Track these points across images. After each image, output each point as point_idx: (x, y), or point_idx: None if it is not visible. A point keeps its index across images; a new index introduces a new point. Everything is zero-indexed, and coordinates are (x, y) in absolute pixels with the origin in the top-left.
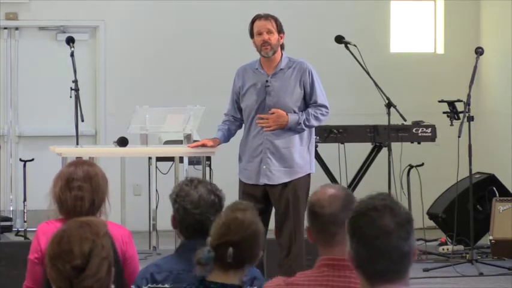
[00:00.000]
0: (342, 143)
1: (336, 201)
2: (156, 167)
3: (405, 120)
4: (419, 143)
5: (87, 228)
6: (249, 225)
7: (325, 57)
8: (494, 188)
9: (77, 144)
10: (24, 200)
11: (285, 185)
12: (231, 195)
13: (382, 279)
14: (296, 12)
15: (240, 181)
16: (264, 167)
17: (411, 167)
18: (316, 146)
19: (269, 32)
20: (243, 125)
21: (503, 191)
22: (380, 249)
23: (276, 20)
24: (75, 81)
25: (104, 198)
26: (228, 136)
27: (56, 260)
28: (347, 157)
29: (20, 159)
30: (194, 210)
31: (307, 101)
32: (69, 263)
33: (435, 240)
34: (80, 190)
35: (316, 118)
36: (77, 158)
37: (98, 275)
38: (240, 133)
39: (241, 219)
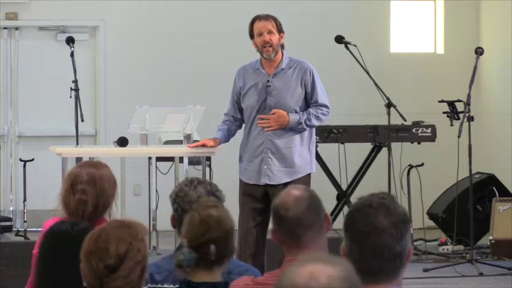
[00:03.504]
0: (342, 143)
1: (300, 203)
2: (156, 167)
3: (405, 120)
4: (419, 143)
5: (127, 230)
6: (226, 221)
7: (325, 57)
8: (494, 188)
9: (77, 144)
10: (24, 200)
11: (286, 185)
12: (231, 196)
13: (374, 278)
14: (296, 12)
15: (241, 181)
16: (265, 167)
17: (411, 167)
18: (316, 146)
19: (270, 32)
20: (243, 125)
21: (503, 191)
22: (371, 246)
23: (275, 20)
24: (75, 81)
25: (110, 201)
26: (228, 136)
27: (91, 257)
28: (347, 157)
29: (20, 159)
30: None
31: (308, 101)
32: (103, 262)
33: (435, 240)
34: (84, 194)
35: (317, 118)
36: (77, 158)
37: (130, 278)
38: (240, 133)
39: (217, 216)
